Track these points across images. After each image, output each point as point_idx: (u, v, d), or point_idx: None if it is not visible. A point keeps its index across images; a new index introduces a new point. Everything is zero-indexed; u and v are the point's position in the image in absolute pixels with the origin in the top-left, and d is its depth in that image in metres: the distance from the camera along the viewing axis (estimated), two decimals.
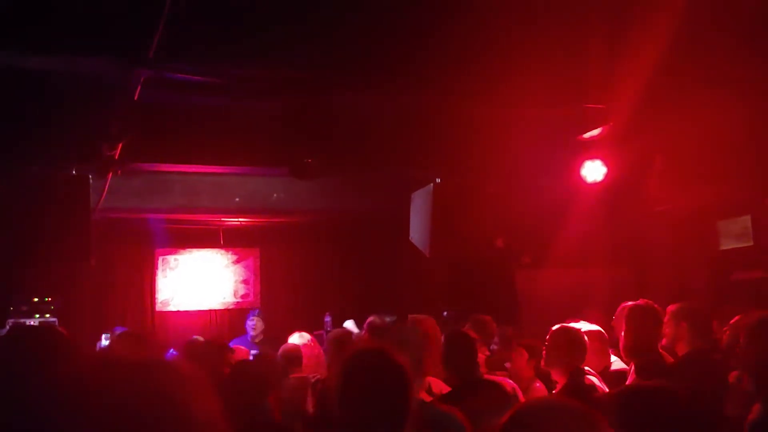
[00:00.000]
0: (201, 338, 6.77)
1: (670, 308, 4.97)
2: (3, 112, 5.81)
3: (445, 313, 8.06)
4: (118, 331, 7.31)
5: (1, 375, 2.07)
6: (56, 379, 1.26)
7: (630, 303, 5.10)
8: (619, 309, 5.51)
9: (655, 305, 4.87)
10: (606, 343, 5.38)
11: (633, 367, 4.81)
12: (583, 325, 5.26)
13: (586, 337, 4.74)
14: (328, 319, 9.18)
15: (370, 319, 6.24)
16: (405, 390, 2.63)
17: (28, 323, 8.50)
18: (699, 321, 4.86)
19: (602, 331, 5.36)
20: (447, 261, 9.18)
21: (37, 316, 8.67)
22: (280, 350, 6.01)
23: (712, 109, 6.34)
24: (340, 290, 10.83)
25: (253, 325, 8.93)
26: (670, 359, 4.86)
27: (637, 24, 5.45)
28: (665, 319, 4.91)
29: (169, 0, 4.23)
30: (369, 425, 2.58)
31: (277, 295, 11.07)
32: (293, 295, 11.00)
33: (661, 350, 4.89)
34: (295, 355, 5.88)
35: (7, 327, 8.42)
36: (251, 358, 6.49)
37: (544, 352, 4.79)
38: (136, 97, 5.48)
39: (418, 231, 7.56)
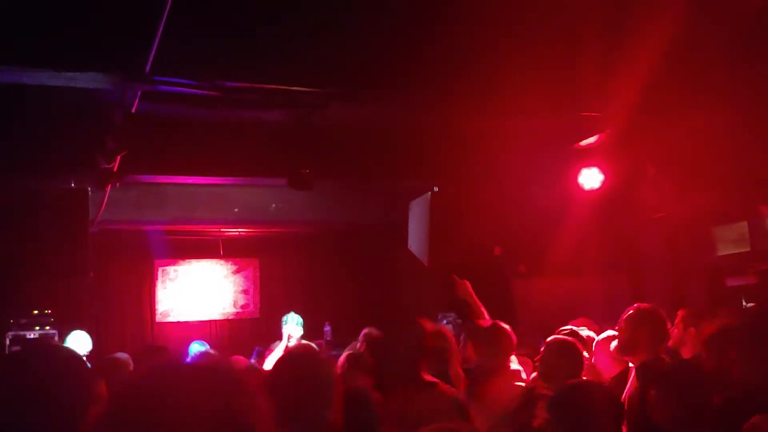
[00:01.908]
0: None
1: (681, 312, 5.15)
2: (2, 126, 5.84)
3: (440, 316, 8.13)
4: None
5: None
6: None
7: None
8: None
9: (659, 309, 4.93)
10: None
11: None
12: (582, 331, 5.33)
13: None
14: (327, 328, 9.20)
15: (365, 331, 6.23)
16: (326, 383, 2.83)
17: (28, 336, 8.54)
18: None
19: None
20: (445, 270, 9.19)
21: (37, 328, 8.69)
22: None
23: (707, 116, 6.37)
24: (339, 299, 10.85)
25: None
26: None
27: (632, 32, 5.48)
28: (675, 322, 5.07)
29: (165, 15, 4.26)
30: (296, 411, 2.76)
31: (276, 304, 11.07)
32: (293, 304, 10.94)
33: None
34: None
35: (8, 340, 8.45)
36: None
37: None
38: (133, 110, 5.51)
39: (416, 240, 7.58)
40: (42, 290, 8.95)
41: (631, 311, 4.57)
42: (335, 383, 2.88)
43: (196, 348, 7.78)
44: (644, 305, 4.61)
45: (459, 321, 8.25)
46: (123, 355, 5.46)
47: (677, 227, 8.14)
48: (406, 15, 5.08)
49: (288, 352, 3.42)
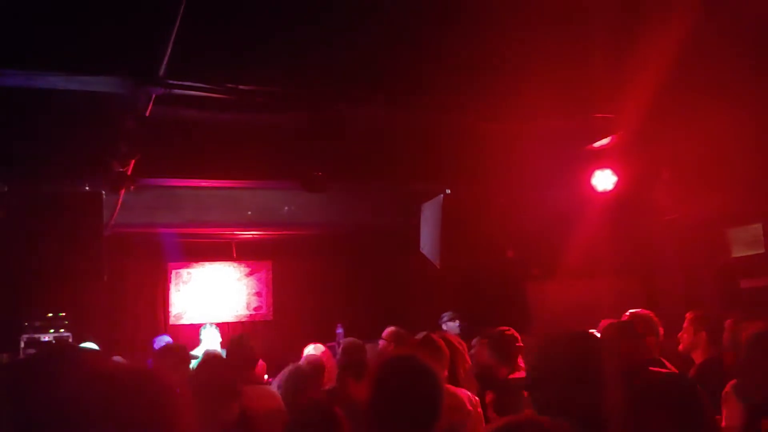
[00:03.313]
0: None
1: (689, 315, 5.10)
2: (17, 129, 5.88)
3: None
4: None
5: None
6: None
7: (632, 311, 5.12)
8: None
9: (642, 315, 4.90)
10: None
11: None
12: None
13: None
14: (339, 330, 9.20)
15: (392, 329, 6.20)
16: (436, 395, 2.64)
17: (42, 339, 8.58)
18: (716, 330, 4.94)
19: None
20: (458, 272, 9.19)
21: (52, 331, 8.73)
22: (305, 360, 5.98)
23: (721, 118, 6.34)
24: (351, 302, 10.85)
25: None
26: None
27: (646, 34, 5.46)
28: (684, 325, 5.03)
29: (179, 19, 4.28)
30: (399, 428, 2.58)
31: (289, 307, 11.10)
32: (305, 306, 11.02)
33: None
34: (320, 365, 5.87)
35: (23, 342, 8.50)
36: None
37: None
38: (147, 114, 5.54)
39: (428, 242, 7.58)
40: (56, 293, 8.98)
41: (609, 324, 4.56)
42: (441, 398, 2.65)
43: (161, 339, 7.89)
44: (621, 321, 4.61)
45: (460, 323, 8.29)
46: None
47: (691, 229, 8.11)
48: (419, 18, 5.08)
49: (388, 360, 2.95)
